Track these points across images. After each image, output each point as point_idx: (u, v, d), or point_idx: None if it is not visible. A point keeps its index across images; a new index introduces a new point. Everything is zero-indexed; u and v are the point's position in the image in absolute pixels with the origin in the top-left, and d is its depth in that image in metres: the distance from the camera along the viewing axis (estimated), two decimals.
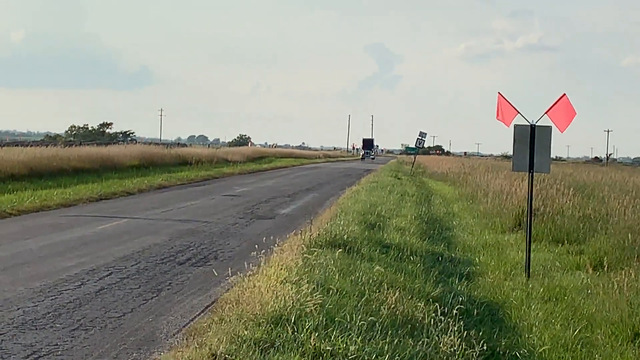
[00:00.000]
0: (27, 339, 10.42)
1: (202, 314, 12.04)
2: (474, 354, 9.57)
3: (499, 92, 17.14)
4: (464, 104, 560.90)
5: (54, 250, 17.84)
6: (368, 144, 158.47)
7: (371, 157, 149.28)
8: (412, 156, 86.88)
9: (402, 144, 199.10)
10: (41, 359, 9.55)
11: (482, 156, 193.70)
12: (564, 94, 16.20)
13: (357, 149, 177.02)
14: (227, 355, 8.59)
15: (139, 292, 13.63)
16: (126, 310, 12.25)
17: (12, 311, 11.89)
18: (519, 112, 16.76)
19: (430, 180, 58.90)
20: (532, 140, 16.53)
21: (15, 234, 20.62)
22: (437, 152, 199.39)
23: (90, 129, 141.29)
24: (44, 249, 18.09)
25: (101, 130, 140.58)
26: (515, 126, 16.71)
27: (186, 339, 10.25)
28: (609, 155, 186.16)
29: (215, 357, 8.56)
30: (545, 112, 16.39)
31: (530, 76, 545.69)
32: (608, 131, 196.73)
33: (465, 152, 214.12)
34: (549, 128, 16.52)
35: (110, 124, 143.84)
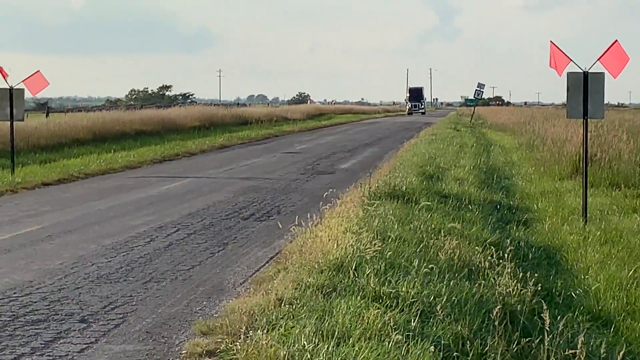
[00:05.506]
0: (103, 291, 11.00)
1: (266, 265, 12.52)
2: (529, 293, 9.85)
3: (551, 41, 17.30)
4: (524, 53, 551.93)
5: (122, 210, 18.47)
6: (416, 94, 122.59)
7: (420, 110, 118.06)
8: (472, 108, 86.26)
9: (461, 96, 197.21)
10: (117, 309, 10.12)
11: (542, 105, 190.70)
12: (616, 40, 16.30)
13: None
14: (292, 300, 9.04)
15: (205, 247, 14.16)
16: (194, 264, 12.80)
17: (87, 267, 12.50)
18: (571, 60, 16.89)
19: (490, 131, 58.52)
20: (585, 87, 16.64)
21: (83, 196, 21.32)
22: (497, 102, 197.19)
23: (150, 92, 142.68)
24: (112, 209, 18.72)
25: (161, 93, 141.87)
26: (569, 74, 16.82)
27: (252, 287, 10.73)
28: None
29: (282, 302, 9.01)
30: (598, 59, 16.51)
31: (591, 23, 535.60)
32: None
33: (525, 102, 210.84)
34: (601, 75, 16.61)
35: (170, 86, 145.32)
